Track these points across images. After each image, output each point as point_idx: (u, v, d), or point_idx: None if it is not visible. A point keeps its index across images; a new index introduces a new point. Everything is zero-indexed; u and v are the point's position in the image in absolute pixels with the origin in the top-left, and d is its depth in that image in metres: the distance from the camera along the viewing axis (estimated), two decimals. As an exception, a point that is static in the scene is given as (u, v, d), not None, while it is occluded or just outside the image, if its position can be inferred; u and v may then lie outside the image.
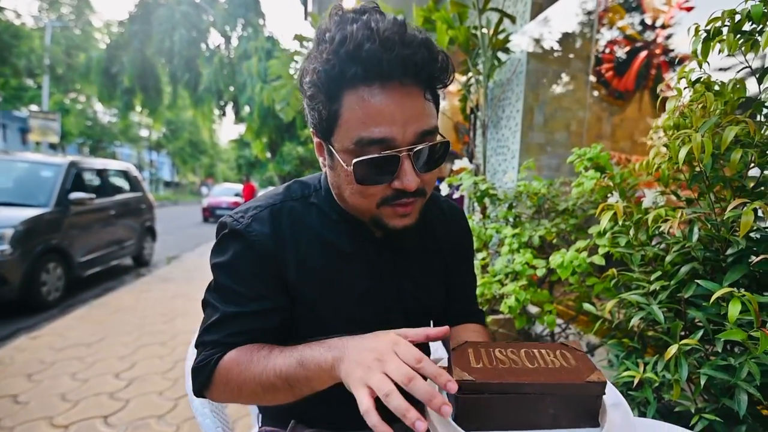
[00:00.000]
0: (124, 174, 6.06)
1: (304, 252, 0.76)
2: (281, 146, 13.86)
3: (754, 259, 0.84)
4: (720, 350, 0.86)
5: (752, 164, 0.89)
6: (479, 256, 1.80)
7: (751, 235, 0.88)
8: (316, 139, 0.74)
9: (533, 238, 1.48)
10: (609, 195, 1.27)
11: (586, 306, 1.18)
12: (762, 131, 0.81)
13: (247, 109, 14.38)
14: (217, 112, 16.55)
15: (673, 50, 2.46)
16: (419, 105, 0.64)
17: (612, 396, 0.54)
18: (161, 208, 15.96)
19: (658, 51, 2.52)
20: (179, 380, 2.58)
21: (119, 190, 5.77)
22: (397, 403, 0.47)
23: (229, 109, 16.36)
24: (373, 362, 0.51)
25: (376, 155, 0.63)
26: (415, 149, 0.64)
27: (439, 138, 0.68)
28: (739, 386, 0.80)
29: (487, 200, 1.83)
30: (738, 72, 0.90)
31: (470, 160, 3.12)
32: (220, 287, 0.74)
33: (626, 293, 1.04)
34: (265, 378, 0.63)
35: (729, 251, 0.91)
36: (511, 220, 1.74)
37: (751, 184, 0.90)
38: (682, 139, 0.83)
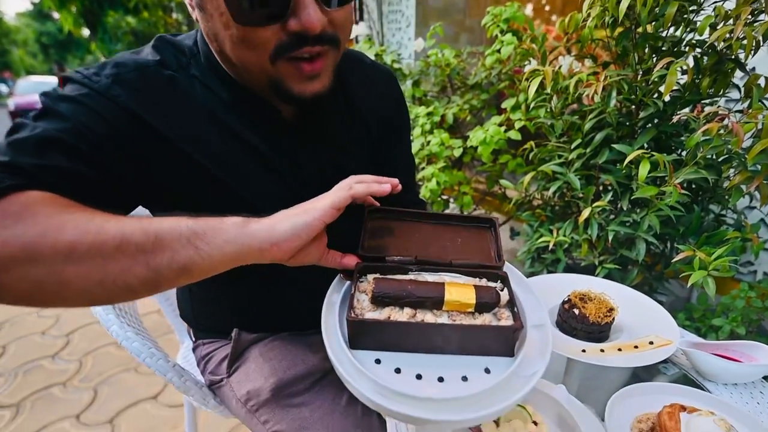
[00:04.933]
0: None
1: (201, 141, 0.62)
2: (102, 17, 10.85)
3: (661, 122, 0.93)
4: (625, 208, 0.98)
5: (670, 24, 0.92)
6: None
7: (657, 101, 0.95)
8: None
9: (447, 117, 1.45)
10: (526, 63, 1.26)
11: (504, 182, 1.25)
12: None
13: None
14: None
15: None
16: None
17: (538, 317, 0.55)
18: None
19: None
20: (62, 315, 2.31)
21: None
22: (362, 186, 0.53)
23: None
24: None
25: None
26: None
27: None
28: (639, 237, 0.95)
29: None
30: None
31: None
32: (52, 112, 0.53)
33: (544, 165, 1.10)
34: (115, 230, 0.43)
35: (641, 114, 0.99)
36: (417, 98, 1.68)
37: (665, 46, 0.95)
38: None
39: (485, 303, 0.50)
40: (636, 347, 0.75)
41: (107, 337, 2.08)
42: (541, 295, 0.87)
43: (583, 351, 0.73)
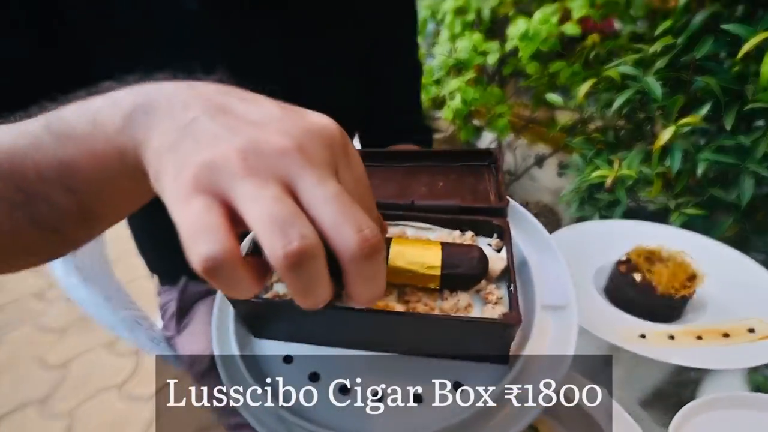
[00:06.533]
0: None
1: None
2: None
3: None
4: (728, 128, 0.66)
5: None
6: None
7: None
8: None
9: (483, 13, 1.11)
10: None
11: (551, 97, 0.93)
12: None
13: None
14: None
15: None
16: None
17: (560, 297, 0.32)
18: None
19: None
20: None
21: None
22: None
23: None
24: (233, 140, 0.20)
25: None
26: None
27: None
28: (745, 170, 0.63)
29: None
30: None
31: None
32: None
33: (609, 68, 0.78)
34: None
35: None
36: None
37: None
38: None
39: (458, 275, 0.27)
40: (726, 335, 0.49)
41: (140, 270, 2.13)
42: (587, 249, 0.63)
43: (642, 336, 0.49)
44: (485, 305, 0.28)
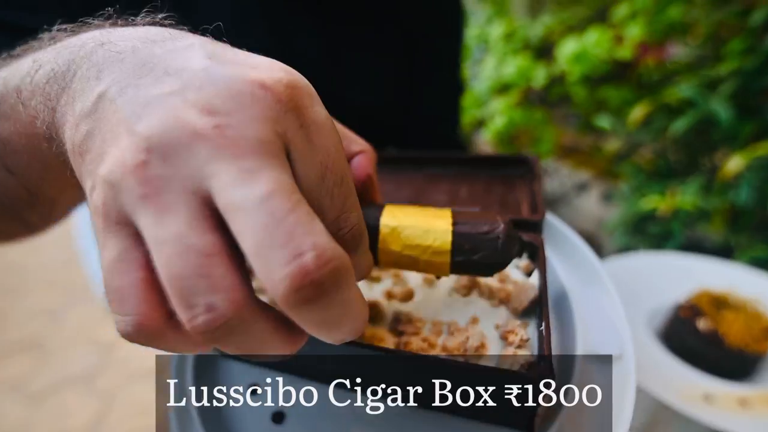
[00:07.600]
0: None
1: None
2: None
3: None
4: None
5: None
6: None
7: None
8: None
9: (531, 38, 1.05)
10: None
11: (599, 121, 0.84)
12: None
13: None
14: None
15: None
16: None
17: (611, 343, 0.23)
18: None
19: None
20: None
21: None
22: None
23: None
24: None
25: None
26: None
27: None
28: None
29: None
30: None
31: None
32: None
33: (667, 91, 0.69)
34: None
35: None
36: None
37: None
38: None
39: (474, 262, 0.19)
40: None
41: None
42: (638, 286, 0.52)
43: (706, 398, 0.39)
44: (506, 347, 0.21)
